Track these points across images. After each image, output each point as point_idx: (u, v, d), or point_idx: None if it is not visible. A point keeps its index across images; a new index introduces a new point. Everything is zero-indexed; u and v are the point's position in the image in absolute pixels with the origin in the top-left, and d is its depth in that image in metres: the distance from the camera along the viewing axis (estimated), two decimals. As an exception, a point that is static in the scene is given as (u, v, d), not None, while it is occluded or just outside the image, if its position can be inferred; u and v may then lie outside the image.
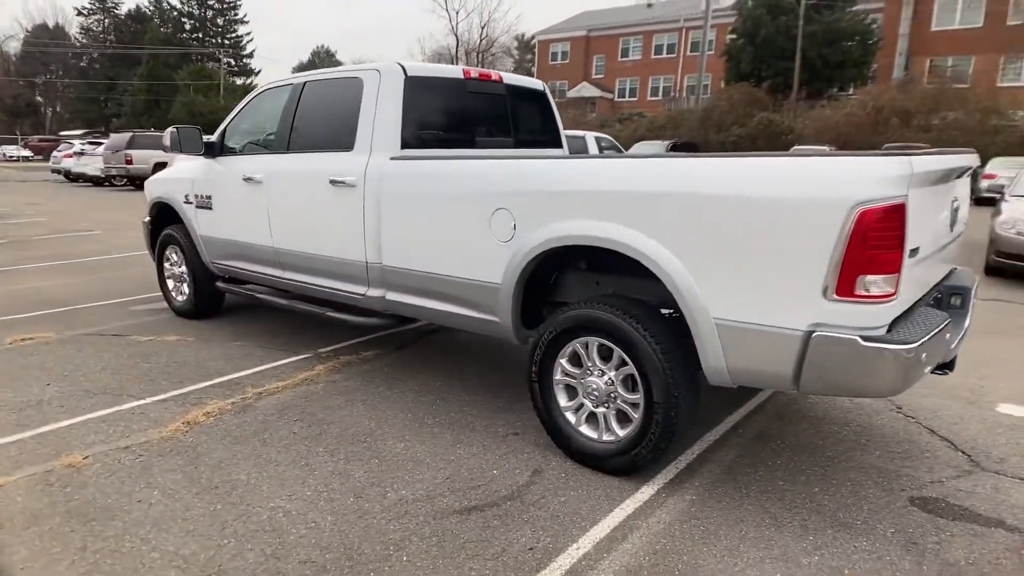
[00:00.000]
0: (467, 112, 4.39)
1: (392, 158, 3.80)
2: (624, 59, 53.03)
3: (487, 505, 2.81)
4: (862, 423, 3.70)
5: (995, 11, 34.88)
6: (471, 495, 2.89)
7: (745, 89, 29.18)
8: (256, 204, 4.64)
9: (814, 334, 2.39)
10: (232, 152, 4.99)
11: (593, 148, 14.02)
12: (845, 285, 2.32)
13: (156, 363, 4.55)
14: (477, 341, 5.20)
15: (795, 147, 22.72)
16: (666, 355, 2.79)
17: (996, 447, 3.42)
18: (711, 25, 42.45)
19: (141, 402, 3.89)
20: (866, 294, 2.32)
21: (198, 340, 5.10)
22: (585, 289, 3.48)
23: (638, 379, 2.88)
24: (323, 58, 68.37)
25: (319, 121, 4.35)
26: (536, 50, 57.42)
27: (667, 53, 50.82)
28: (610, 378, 3.00)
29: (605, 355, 3.02)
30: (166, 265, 5.82)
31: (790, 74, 30.78)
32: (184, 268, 5.60)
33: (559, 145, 5.01)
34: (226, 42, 62.44)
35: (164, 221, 5.76)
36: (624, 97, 52.59)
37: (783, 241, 2.41)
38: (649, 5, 56.02)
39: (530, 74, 57.49)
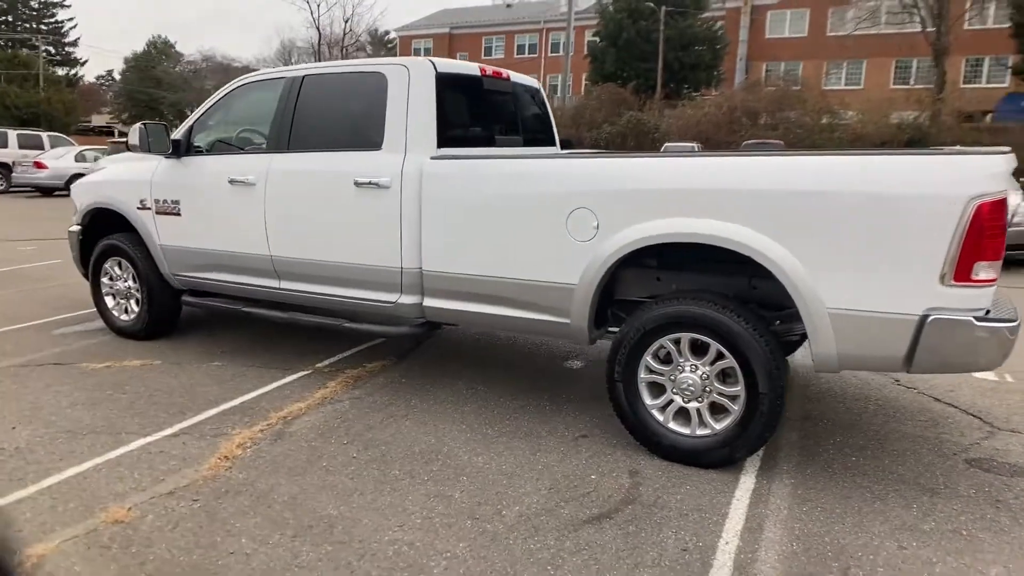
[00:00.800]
0: (485, 110, 4.26)
1: (433, 157, 3.59)
2: (487, 58, 53.49)
3: (611, 512, 2.75)
4: (879, 398, 4.04)
5: (817, 22, 39.33)
6: (587, 503, 2.82)
7: (612, 89, 30.53)
8: (246, 209, 4.19)
9: (929, 318, 2.58)
10: (203, 152, 4.47)
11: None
12: (963, 272, 2.52)
13: (136, 393, 3.98)
14: (472, 342, 5.07)
15: (666, 144, 24.17)
16: (770, 346, 2.88)
17: (994, 408, 3.87)
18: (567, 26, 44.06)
19: (149, 439, 3.39)
20: (978, 279, 2.54)
21: (167, 363, 4.52)
22: (646, 286, 3.50)
23: (738, 372, 2.94)
24: (160, 48, 62.63)
25: (329, 118, 4.02)
26: (397, 46, 56.46)
27: (529, 53, 51.94)
28: (705, 372, 3.05)
29: (697, 350, 3.06)
30: (104, 280, 5.10)
31: (651, 76, 32.66)
32: (131, 283, 4.94)
33: (554, 143, 4.99)
34: (43, 27, 55.41)
35: (100, 230, 5.05)
36: (488, 96, 53.13)
37: (902, 233, 2.58)
38: (508, 5, 57.09)
39: (392, 70, 56.58)
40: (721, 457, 3.04)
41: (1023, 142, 23.51)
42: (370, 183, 3.69)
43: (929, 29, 27.42)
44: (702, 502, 2.83)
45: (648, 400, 3.19)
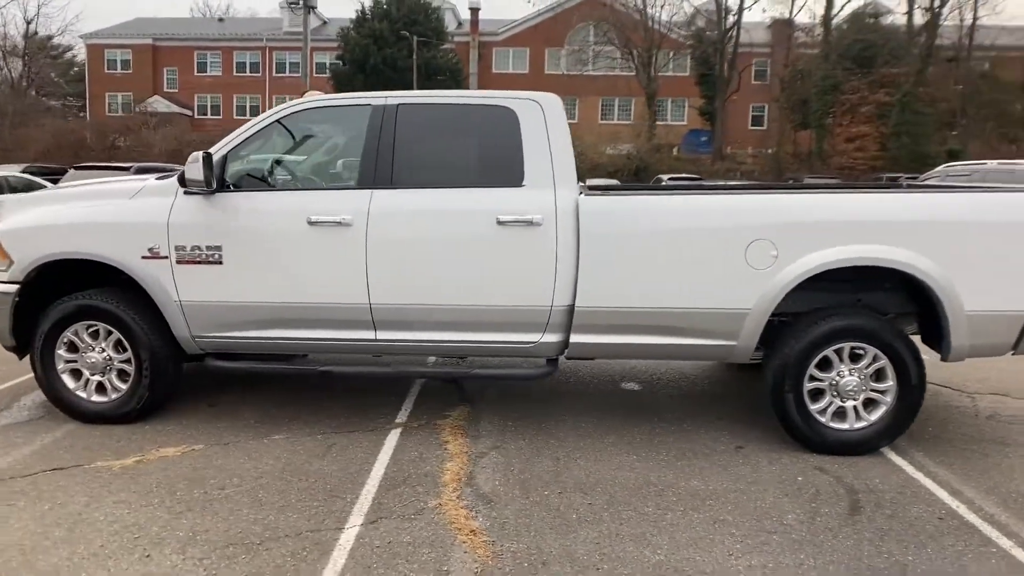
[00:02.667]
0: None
1: (585, 194, 3.61)
2: (202, 74, 49.03)
3: (863, 522, 3.03)
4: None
5: (536, 61, 43.97)
6: (830, 515, 3.08)
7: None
8: (336, 253, 3.65)
9: (1060, 313, 3.48)
10: (250, 187, 3.76)
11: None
12: (1054, 274, 3.47)
13: (234, 488, 3.20)
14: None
15: None
16: (912, 350, 3.56)
17: (959, 377, 5.03)
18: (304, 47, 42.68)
19: (350, 532, 2.81)
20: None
21: (213, 444, 3.67)
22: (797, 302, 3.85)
23: (890, 370, 3.56)
24: None
25: (442, 152, 3.75)
26: (87, 55, 48.60)
27: (251, 72, 48.83)
28: (861, 374, 3.61)
29: (853, 356, 3.61)
30: (61, 353, 3.88)
31: (400, 103, 33.36)
32: (112, 352, 3.87)
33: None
34: None
35: (50, 288, 3.88)
36: (206, 115, 48.69)
37: (1009, 251, 3.44)
38: (220, 20, 53.05)
39: (82, 80, 48.39)
40: (875, 443, 3.63)
41: (710, 170, 29.42)
42: (518, 221, 3.55)
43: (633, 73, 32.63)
44: (918, 494, 3.36)
45: (812, 405, 3.64)
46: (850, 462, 3.58)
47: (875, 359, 3.58)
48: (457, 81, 35.96)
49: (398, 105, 3.74)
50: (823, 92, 29.60)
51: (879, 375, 3.62)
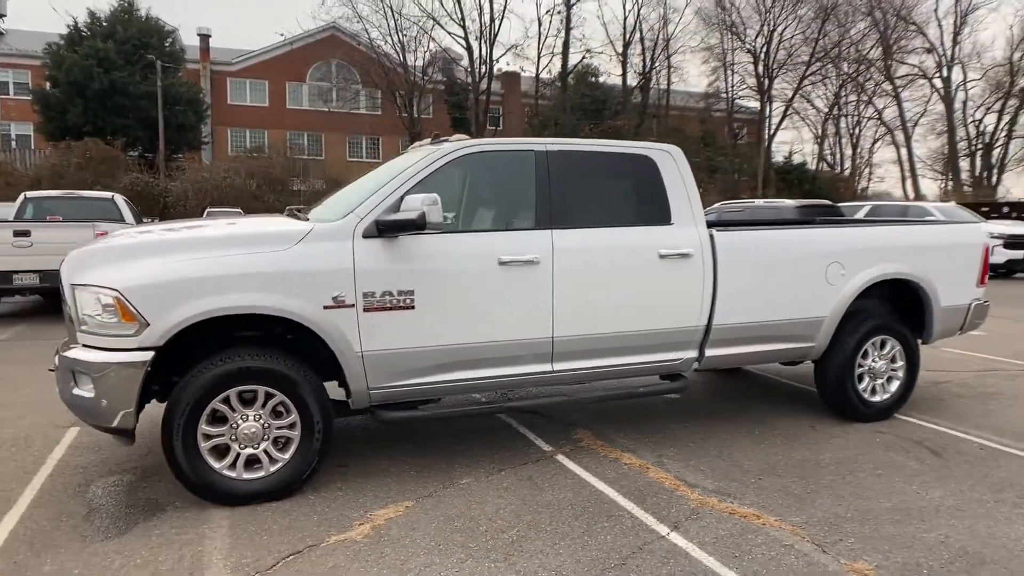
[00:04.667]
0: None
1: (718, 229, 4.32)
2: None
3: (941, 457, 4.28)
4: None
5: (277, 94, 42.15)
6: (918, 453, 4.27)
7: (99, 147, 26.23)
8: (525, 291, 3.80)
9: (972, 304, 5.12)
10: (428, 230, 3.71)
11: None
12: (981, 280, 5.14)
13: (520, 527, 3.20)
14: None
15: (208, 209, 22.67)
16: (913, 339, 4.95)
17: None
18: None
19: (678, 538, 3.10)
20: (982, 284, 5.19)
21: (419, 498, 3.51)
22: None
23: (900, 355, 4.89)
24: None
25: (597, 194, 4.14)
26: None
27: None
28: (886, 360, 4.88)
29: (881, 344, 4.87)
30: (205, 428, 3.34)
31: (131, 131, 29.43)
32: (274, 419, 3.46)
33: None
34: None
35: (177, 359, 3.38)
36: None
37: (967, 262, 5.04)
38: None
39: None
40: (891, 412, 4.94)
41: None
42: (675, 254, 4.12)
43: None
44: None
45: (859, 386, 4.81)
46: (881, 426, 4.80)
47: (893, 347, 4.89)
48: (197, 112, 32.93)
49: (558, 151, 4.05)
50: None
51: (894, 358, 4.93)
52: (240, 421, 3.40)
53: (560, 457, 4.13)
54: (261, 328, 3.60)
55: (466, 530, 3.18)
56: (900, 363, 4.93)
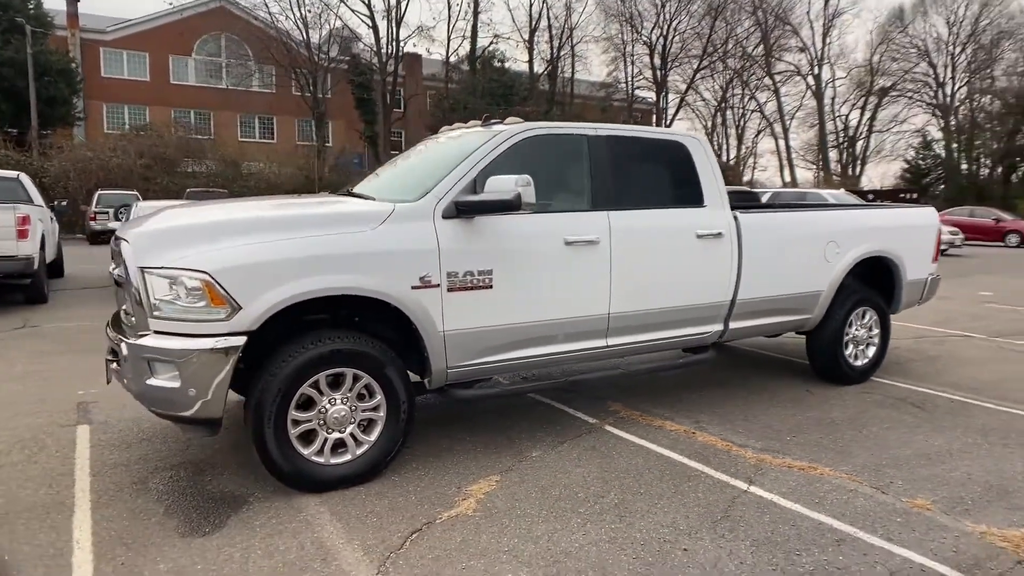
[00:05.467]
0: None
1: (740, 212, 4.65)
2: None
3: (921, 409, 4.88)
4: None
5: (159, 68, 39.07)
6: (906, 408, 4.84)
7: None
8: (587, 270, 3.96)
9: (929, 278, 5.81)
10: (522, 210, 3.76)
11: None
12: (935, 257, 5.84)
13: (627, 489, 3.38)
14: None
15: (188, 190, 21.26)
16: (884, 307, 5.57)
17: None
18: None
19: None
20: (935, 260, 5.90)
21: (501, 472, 3.60)
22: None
23: (876, 323, 5.50)
24: None
25: (642, 178, 4.33)
26: None
27: None
28: (866, 328, 5.46)
29: (862, 315, 5.43)
30: (294, 414, 3.26)
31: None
32: (360, 401, 3.43)
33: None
34: None
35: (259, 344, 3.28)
36: None
37: (926, 241, 5.71)
38: None
39: None
40: (869, 375, 5.54)
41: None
42: (710, 234, 4.42)
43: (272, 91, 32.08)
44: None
45: (845, 352, 5.36)
46: (865, 388, 5.38)
47: (871, 317, 5.48)
48: (71, 84, 29.97)
49: (606, 136, 4.21)
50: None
51: (872, 327, 5.52)
52: (328, 405, 3.34)
53: (608, 427, 4.34)
54: (328, 311, 3.54)
55: (567, 498, 3.33)
56: (876, 331, 5.53)
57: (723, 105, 47.53)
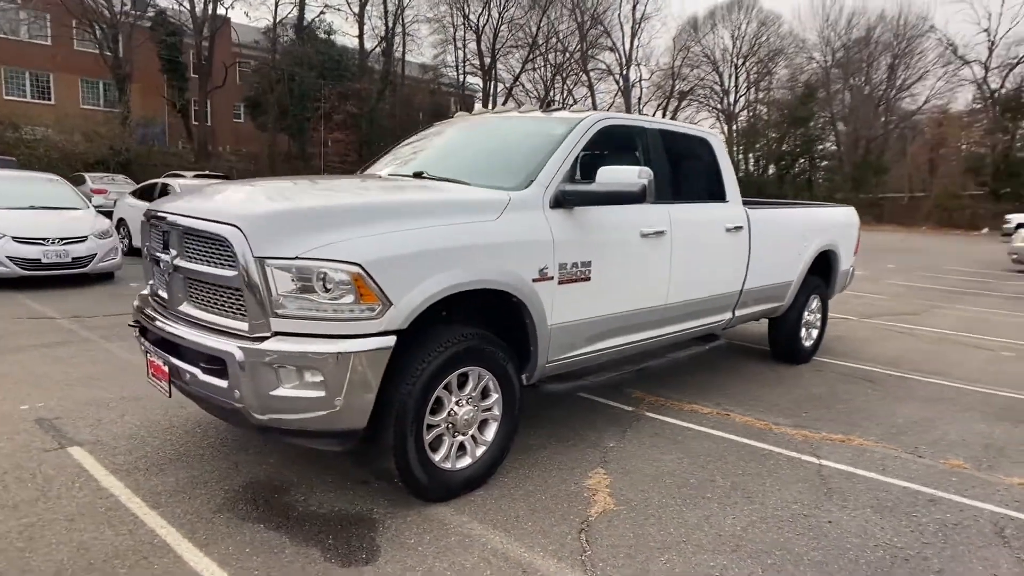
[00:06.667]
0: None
1: (748, 208, 5.04)
2: None
3: (877, 386, 5.68)
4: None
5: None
6: (857, 385, 5.61)
7: None
8: (655, 261, 4.07)
9: (852, 269, 6.73)
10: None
11: None
12: (856, 250, 6.77)
13: (727, 475, 3.54)
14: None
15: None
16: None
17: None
18: None
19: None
20: (855, 253, 6.82)
21: (615, 471, 3.60)
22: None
23: (819, 307, 6.28)
24: None
25: (683, 172, 4.50)
26: None
27: None
28: (813, 313, 6.20)
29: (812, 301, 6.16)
30: (429, 419, 2.99)
31: None
32: (483, 402, 3.24)
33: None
34: None
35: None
36: None
37: (852, 237, 6.59)
38: None
39: None
40: (811, 355, 6.33)
41: (198, 167, 27.78)
42: (735, 228, 4.75)
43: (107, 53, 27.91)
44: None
45: (802, 333, 6.05)
46: (815, 366, 6.14)
47: (817, 302, 6.23)
48: None
49: (657, 130, 4.33)
50: (300, 98, 31.71)
51: (816, 312, 6.28)
52: (456, 407, 3.10)
53: (648, 413, 4.49)
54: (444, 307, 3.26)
55: (682, 484, 3.43)
56: (819, 315, 6.30)
57: (546, 97, 49.64)
